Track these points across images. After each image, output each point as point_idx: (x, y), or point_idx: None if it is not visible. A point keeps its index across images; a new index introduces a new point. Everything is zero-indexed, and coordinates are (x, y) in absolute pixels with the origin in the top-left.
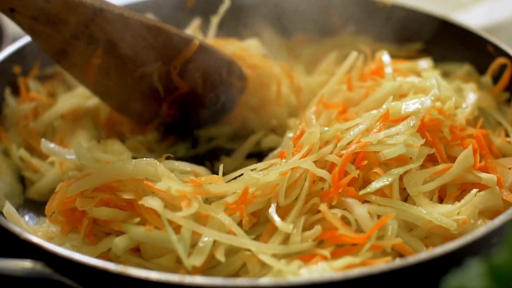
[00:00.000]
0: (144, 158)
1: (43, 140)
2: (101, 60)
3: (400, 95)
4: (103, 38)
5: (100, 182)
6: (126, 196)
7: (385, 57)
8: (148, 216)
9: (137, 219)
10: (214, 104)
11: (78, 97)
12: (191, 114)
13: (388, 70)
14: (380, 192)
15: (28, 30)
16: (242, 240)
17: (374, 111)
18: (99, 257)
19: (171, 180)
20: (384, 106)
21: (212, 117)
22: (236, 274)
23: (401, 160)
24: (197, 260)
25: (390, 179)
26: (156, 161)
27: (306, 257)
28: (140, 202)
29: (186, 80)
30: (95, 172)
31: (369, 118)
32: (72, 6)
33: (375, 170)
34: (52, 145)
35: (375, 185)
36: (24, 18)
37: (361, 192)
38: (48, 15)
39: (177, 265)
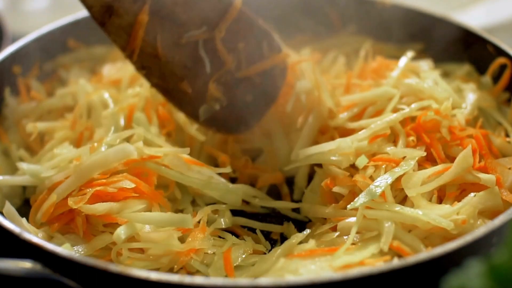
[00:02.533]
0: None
1: (18, 163)
2: (147, 22)
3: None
4: None
5: (83, 180)
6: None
7: (402, 61)
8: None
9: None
10: (258, 87)
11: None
12: (237, 101)
13: (394, 74)
14: None
15: None
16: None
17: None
18: (99, 257)
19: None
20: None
21: (256, 108)
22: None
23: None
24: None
25: (369, 194)
26: (129, 144)
27: (304, 253)
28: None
29: (229, 53)
30: (74, 173)
31: None
32: None
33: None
34: (25, 165)
35: (359, 200)
36: None
37: (349, 207)
38: None
39: (176, 260)
